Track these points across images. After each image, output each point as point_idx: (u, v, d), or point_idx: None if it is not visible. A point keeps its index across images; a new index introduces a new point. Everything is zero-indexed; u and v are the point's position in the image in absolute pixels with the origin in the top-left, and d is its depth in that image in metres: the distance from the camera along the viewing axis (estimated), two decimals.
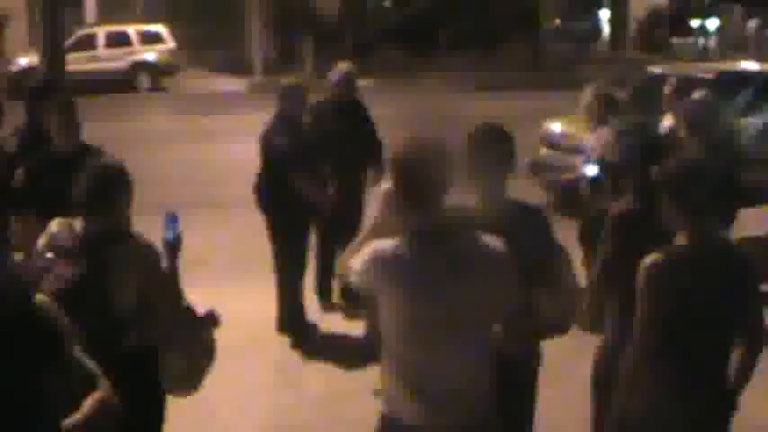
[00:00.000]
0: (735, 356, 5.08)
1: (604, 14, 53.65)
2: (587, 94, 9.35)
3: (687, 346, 4.94)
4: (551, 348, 5.98)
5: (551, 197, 14.30)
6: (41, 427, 2.81)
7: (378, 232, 4.91)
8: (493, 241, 4.82)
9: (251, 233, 10.75)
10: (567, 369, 6.48)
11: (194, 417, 7.06)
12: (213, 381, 5.76)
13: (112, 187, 5.41)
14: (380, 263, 4.62)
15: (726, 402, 5.13)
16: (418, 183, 4.64)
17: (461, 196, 5.49)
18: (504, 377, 5.47)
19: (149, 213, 6.68)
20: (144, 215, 5.89)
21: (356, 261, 4.77)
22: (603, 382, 5.94)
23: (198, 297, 5.90)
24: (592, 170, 8.31)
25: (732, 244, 5.27)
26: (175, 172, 17.95)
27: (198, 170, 18.23)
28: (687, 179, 4.90)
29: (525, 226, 5.50)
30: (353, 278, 4.80)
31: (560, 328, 6.12)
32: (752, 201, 7.04)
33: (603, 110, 9.11)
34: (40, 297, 2.76)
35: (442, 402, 4.64)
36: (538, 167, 15.21)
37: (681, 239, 4.93)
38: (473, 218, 5.30)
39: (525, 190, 10.27)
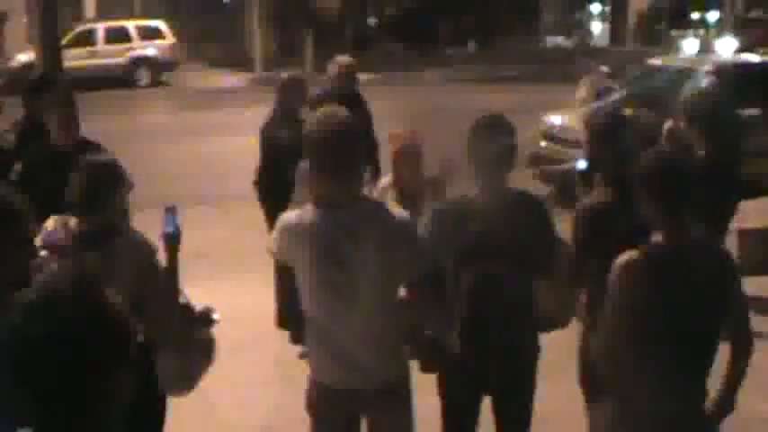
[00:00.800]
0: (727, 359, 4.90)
1: (595, 8, 53.71)
2: (581, 88, 9.39)
3: (663, 355, 4.70)
4: (550, 340, 5.97)
5: (550, 189, 14.30)
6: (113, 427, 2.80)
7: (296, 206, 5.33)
8: (395, 212, 5.08)
9: (251, 227, 10.76)
10: (566, 362, 6.46)
11: (194, 411, 7.06)
12: (212, 375, 5.76)
13: (106, 186, 5.39)
14: (286, 230, 4.98)
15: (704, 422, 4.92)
16: (326, 156, 4.89)
17: (464, 187, 5.54)
18: (505, 369, 5.56)
19: (150, 208, 6.68)
20: (144, 210, 5.88)
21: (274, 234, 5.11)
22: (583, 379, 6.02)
23: (197, 291, 5.91)
24: (582, 163, 8.33)
25: (711, 242, 5.08)
26: (176, 166, 17.98)
27: (198, 165, 18.24)
28: (663, 175, 4.70)
29: (526, 215, 5.54)
30: (273, 251, 5.12)
31: (560, 321, 6.13)
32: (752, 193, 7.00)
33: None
34: (110, 293, 2.73)
35: (353, 366, 4.92)
36: (537, 160, 15.23)
37: (657, 237, 4.73)
38: (475, 207, 5.38)
39: (525, 182, 10.28)
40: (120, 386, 2.71)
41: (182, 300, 5.68)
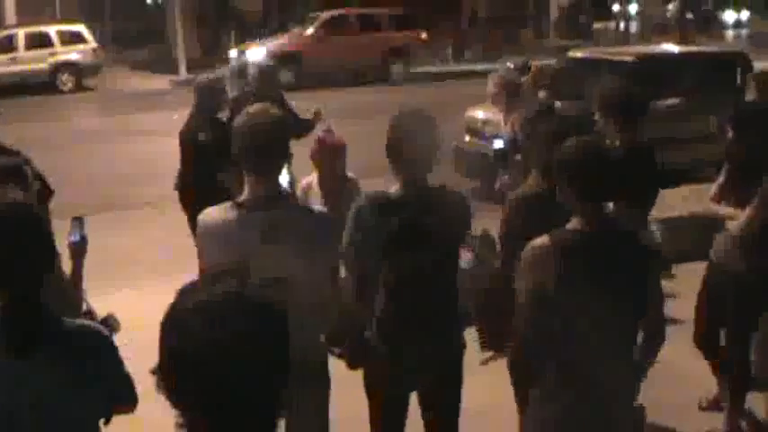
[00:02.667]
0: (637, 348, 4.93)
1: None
2: (490, 84, 9.45)
3: (574, 343, 4.70)
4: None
5: (474, 184, 14.33)
6: None
7: None
8: (314, 212, 5.22)
9: (181, 231, 10.71)
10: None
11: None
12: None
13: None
14: (202, 231, 5.06)
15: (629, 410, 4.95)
16: (251, 154, 4.95)
17: (385, 182, 5.55)
18: (431, 365, 5.56)
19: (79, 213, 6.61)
20: (70, 217, 5.82)
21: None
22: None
23: (131, 293, 5.89)
24: (498, 143, 8.42)
25: (628, 230, 5.06)
26: (103, 172, 17.81)
27: (125, 169, 18.06)
28: (581, 162, 4.71)
29: (447, 209, 5.52)
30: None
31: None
32: (670, 182, 7.12)
33: (507, 97, 9.21)
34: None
35: None
36: (461, 154, 15.31)
37: (573, 224, 4.75)
38: (396, 202, 5.38)
39: (449, 177, 10.34)
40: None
41: (84, 307, 5.67)
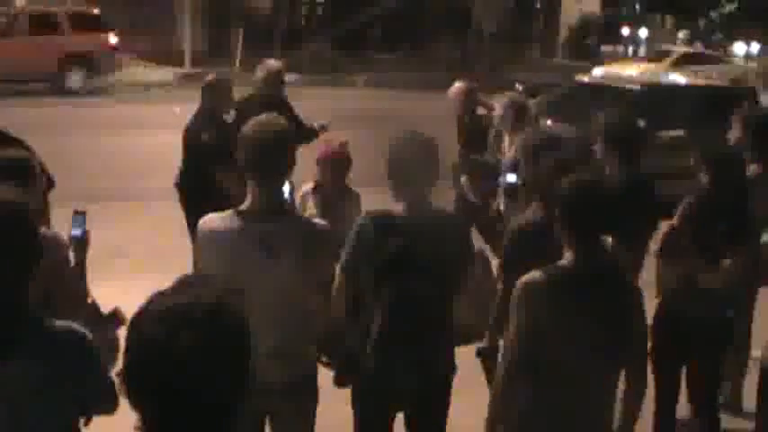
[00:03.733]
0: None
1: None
2: (498, 106, 9.39)
3: (560, 383, 4.75)
4: (467, 353, 6.01)
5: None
6: None
7: None
8: (315, 224, 5.25)
9: (170, 226, 10.67)
10: (480, 376, 6.49)
11: None
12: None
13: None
14: (202, 235, 5.09)
15: None
16: (254, 163, 4.99)
17: (388, 202, 5.52)
18: (419, 386, 5.55)
19: (71, 202, 6.55)
20: (66, 205, 5.78)
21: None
22: None
23: (113, 290, 5.84)
24: (511, 177, 8.36)
25: (622, 272, 5.10)
26: (98, 161, 17.71)
27: (120, 160, 17.96)
28: (577, 204, 4.74)
29: (446, 232, 5.53)
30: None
31: (476, 335, 6.16)
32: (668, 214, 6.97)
33: (517, 121, 9.15)
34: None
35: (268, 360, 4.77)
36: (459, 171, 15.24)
37: (565, 260, 4.79)
38: (396, 222, 5.37)
39: (448, 193, 10.30)
40: None
41: (89, 300, 5.64)
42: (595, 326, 4.65)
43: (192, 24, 35.67)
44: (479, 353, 6.36)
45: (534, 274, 4.76)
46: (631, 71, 27.77)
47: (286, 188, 5.65)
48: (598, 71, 26.39)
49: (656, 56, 39.12)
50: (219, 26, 38.63)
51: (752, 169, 7.61)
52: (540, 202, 6.03)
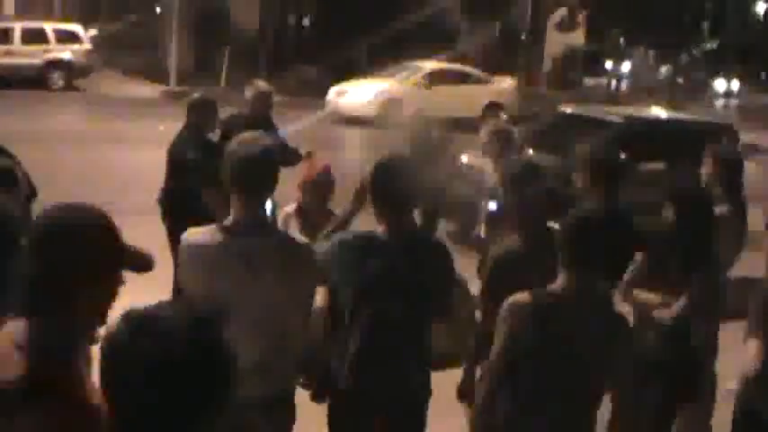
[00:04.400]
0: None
1: None
2: (484, 133, 9.42)
3: (541, 404, 4.83)
4: (443, 378, 6.04)
5: (450, 226, 14.28)
6: None
7: None
8: (299, 242, 5.28)
9: (152, 242, 10.67)
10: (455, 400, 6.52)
11: None
12: None
13: None
14: (184, 250, 5.07)
15: None
16: (238, 180, 5.03)
17: (372, 224, 5.58)
18: (393, 408, 5.60)
19: None
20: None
21: None
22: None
23: None
24: (492, 205, 8.40)
25: (608, 301, 5.14)
26: (79, 175, 17.67)
27: (103, 175, 17.91)
28: (575, 231, 4.84)
29: (427, 257, 5.58)
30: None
31: (455, 360, 6.20)
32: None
33: (501, 147, 9.18)
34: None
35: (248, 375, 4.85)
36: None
37: (556, 285, 4.88)
38: (377, 244, 5.44)
39: None
40: None
41: None
42: (578, 354, 4.72)
43: (178, 42, 35.67)
44: (461, 394, 6.36)
45: (523, 296, 4.83)
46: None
47: (269, 206, 5.70)
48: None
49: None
50: (206, 44, 38.56)
51: (719, 210, 7.65)
52: (522, 230, 6.11)
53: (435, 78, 32.98)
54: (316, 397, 5.91)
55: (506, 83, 36.05)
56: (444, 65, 35.00)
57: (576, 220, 4.91)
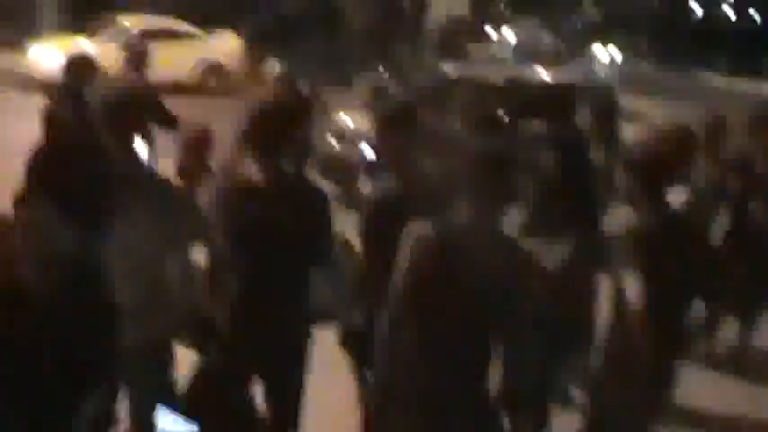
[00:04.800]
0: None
1: None
2: (361, 92, 9.43)
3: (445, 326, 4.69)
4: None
5: (338, 188, 14.22)
6: None
7: None
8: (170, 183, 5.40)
9: None
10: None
11: None
12: None
13: None
14: None
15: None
16: None
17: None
18: (275, 353, 5.57)
19: None
20: None
21: None
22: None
23: None
24: (368, 152, 8.39)
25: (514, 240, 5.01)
26: None
27: None
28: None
29: (306, 201, 5.53)
30: None
31: (331, 315, 6.15)
32: None
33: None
34: None
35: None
36: (327, 159, 15.27)
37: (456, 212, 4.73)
38: (253, 188, 5.36)
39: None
40: None
41: None
42: (480, 279, 4.60)
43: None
44: (343, 341, 6.32)
45: (423, 225, 4.71)
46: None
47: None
48: None
49: None
50: None
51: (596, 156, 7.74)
52: (398, 176, 6.04)
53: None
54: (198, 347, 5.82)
55: (225, 40, 30.87)
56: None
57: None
